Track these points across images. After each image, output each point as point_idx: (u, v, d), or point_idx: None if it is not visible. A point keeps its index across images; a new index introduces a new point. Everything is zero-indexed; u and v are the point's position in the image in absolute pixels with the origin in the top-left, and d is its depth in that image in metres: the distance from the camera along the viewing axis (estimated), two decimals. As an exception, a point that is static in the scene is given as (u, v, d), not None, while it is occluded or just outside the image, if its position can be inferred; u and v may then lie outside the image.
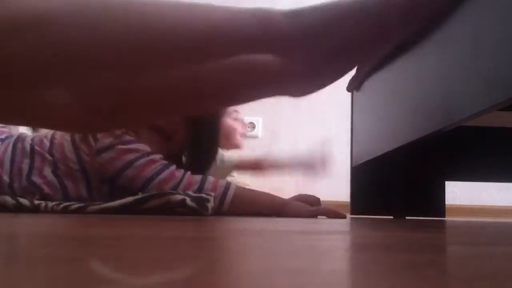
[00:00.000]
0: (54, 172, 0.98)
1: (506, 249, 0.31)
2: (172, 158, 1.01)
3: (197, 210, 0.86)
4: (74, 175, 0.98)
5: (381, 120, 1.00)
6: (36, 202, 0.89)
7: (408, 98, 0.84)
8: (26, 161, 0.98)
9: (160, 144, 1.01)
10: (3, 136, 1.03)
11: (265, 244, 0.29)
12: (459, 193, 2.36)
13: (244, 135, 1.71)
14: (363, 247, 0.29)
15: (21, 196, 0.93)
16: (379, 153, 0.99)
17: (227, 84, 0.42)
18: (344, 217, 0.98)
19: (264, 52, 0.42)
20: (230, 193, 0.94)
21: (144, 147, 0.96)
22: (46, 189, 0.97)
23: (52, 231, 0.34)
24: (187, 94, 0.41)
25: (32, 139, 1.01)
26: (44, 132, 1.06)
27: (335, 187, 2.33)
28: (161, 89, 0.40)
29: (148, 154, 0.95)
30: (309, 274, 0.17)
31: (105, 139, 0.96)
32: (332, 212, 1.00)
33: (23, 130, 1.17)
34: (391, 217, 1.14)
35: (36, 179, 0.97)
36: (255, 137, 2.49)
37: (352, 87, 1.20)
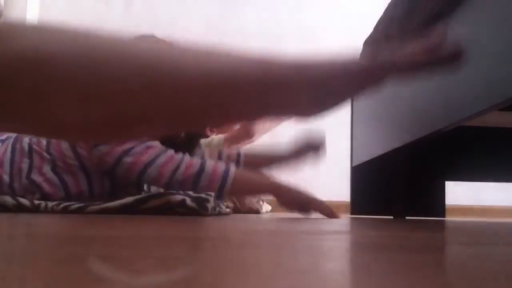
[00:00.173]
0: (54, 169, 0.98)
1: (506, 249, 0.31)
2: (168, 142, 1.02)
3: (197, 210, 0.86)
4: (73, 171, 0.98)
5: (381, 121, 1.00)
6: (36, 202, 0.89)
7: (408, 99, 0.84)
8: (26, 161, 0.98)
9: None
10: (3, 137, 1.03)
11: (265, 244, 0.29)
12: (459, 193, 2.36)
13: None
14: (363, 247, 0.29)
15: (22, 196, 0.93)
16: (379, 153, 0.99)
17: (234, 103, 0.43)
18: (337, 217, 0.98)
19: (266, 98, 0.44)
20: (231, 175, 0.95)
21: None
22: (46, 187, 0.97)
23: (52, 231, 0.34)
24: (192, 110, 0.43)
25: (30, 139, 1.02)
26: None
27: (335, 187, 2.33)
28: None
29: (145, 141, 0.96)
30: (309, 274, 0.17)
31: None
32: (327, 209, 0.99)
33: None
34: (391, 217, 1.14)
35: (36, 177, 0.97)
36: (255, 137, 2.49)
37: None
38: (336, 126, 2.49)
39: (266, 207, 1.64)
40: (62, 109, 0.39)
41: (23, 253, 0.22)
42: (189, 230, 0.39)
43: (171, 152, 0.96)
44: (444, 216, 1.17)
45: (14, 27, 0.41)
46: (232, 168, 0.97)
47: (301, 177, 1.97)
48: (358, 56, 0.47)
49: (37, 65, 0.39)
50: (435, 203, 1.15)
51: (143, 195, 0.90)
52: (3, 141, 1.02)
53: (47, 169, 0.98)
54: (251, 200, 1.52)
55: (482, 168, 1.18)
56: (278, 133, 2.49)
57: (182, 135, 1.08)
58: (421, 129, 0.77)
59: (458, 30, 0.66)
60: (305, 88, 0.44)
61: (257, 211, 1.50)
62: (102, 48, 0.41)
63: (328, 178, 2.41)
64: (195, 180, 0.94)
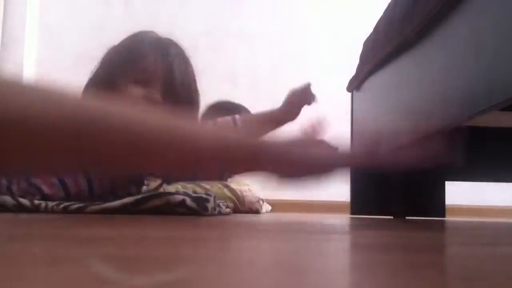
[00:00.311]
0: None
1: (506, 249, 0.31)
2: None
3: (197, 211, 0.86)
4: None
5: (381, 120, 1.00)
6: (36, 202, 0.89)
7: (408, 98, 0.84)
8: None
9: None
10: None
11: (265, 244, 0.29)
12: (459, 193, 2.36)
13: None
14: (363, 247, 0.29)
15: (21, 197, 0.93)
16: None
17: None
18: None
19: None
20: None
21: None
22: (46, 189, 0.97)
23: (52, 231, 0.34)
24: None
25: None
26: None
27: (335, 187, 2.33)
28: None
29: None
30: (309, 274, 0.17)
31: None
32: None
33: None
34: (391, 217, 1.14)
35: (35, 180, 0.97)
36: (255, 137, 2.49)
37: (352, 87, 1.20)
38: (336, 126, 2.48)
39: (266, 207, 1.64)
40: (107, 162, 0.45)
41: (23, 253, 0.22)
42: (189, 230, 0.39)
43: None
44: (444, 216, 1.17)
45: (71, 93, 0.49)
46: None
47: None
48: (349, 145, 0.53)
49: (100, 127, 0.44)
50: (435, 203, 1.15)
51: (143, 195, 0.90)
52: None
53: None
54: (251, 200, 1.52)
55: (482, 168, 1.18)
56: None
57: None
58: (421, 129, 0.77)
59: (458, 30, 0.66)
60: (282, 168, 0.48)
61: (257, 211, 1.50)
62: (152, 122, 0.47)
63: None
64: None
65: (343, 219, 0.93)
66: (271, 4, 2.59)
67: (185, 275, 0.16)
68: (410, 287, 0.15)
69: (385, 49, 0.91)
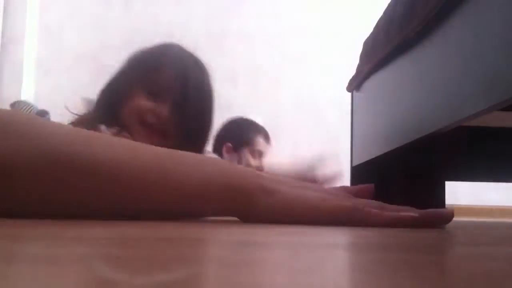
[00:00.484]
0: None
1: (506, 249, 0.31)
2: None
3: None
4: None
5: (381, 120, 0.99)
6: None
7: (408, 98, 0.84)
8: None
9: (153, 141, 1.00)
10: None
11: (265, 244, 0.29)
12: (459, 193, 2.36)
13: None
14: (363, 247, 0.29)
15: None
16: (379, 153, 0.99)
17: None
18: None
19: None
20: None
21: None
22: None
23: (52, 231, 0.34)
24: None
25: None
26: None
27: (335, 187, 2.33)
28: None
29: None
30: (309, 274, 0.17)
31: None
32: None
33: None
34: (391, 217, 1.13)
35: None
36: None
37: (352, 87, 1.20)
38: (336, 126, 2.49)
39: None
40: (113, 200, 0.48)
41: (23, 253, 0.22)
42: (189, 230, 0.39)
43: None
44: (444, 216, 1.17)
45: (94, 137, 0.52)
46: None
47: (301, 178, 1.96)
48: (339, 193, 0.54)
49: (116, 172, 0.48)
50: (435, 203, 1.15)
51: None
52: None
53: None
54: None
55: (482, 168, 1.18)
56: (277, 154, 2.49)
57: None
58: (421, 129, 0.77)
59: (458, 30, 0.66)
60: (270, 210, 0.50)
61: None
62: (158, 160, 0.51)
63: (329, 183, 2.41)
64: None
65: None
66: (271, 4, 2.59)
67: (185, 275, 0.16)
68: (410, 287, 0.15)
69: (385, 49, 0.91)
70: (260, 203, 0.50)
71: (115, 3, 2.53)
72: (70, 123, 0.95)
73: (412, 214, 0.49)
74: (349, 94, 1.24)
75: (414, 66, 0.82)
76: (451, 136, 1.03)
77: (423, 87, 0.78)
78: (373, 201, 0.52)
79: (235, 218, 0.55)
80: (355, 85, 1.17)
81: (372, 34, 1.02)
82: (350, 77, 1.19)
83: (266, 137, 1.75)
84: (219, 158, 1.36)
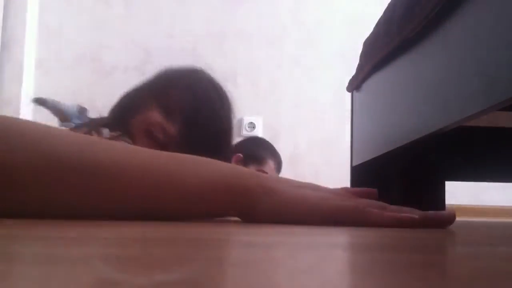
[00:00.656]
0: None
1: (506, 249, 0.31)
2: None
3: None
4: None
5: (381, 120, 0.99)
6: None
7: (408, 98, 0.84)
8: None
9: None
10: None
11: (265, 244, 0.29)
12: (459, 193, 2.36)
13: None
14: (363, 247, 0.29)
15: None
16: (379, 153, 0.99)
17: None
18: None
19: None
20: None
21: None
22: None
23: (52, 231, 0.34)
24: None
25: None
26: None
27: (335, 187, 2.33)
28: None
29: None
30: (308, 274, 0.17)
31: None
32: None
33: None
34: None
35: None
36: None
37: (352, 87, 1.20)
38: (336, 126, 2.49)
39: None
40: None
41: (23, 253, 0.22)
42: (189, 230, 0.39)
43: None
44: (444, 216, 1.17)
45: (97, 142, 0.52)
46: None
47: (301, 178, 1.96)
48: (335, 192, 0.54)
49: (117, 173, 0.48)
50: (435, 203, 1.15)
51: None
52: None
53: None
54: None
55: (482, 168, 1.18)
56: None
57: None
58: (421, 129, 0.77)
59: (458, 30, 0.66)
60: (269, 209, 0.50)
61: None
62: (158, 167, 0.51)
63: (328, 178, 2.41)
64: None
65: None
66: (271, 4, 2.59)
67: (185, 275, 0.16)
68: (410, 287, 0.15)
69: (385, 49, 0.91)
70: (261, 203, 0.50)
71: (115, 3, 2.53)
72: (76, 125, 0.95)
73: (413, 215, 0.49)
74: (349, 94, 1.24)
75: (414, 66, 0.82)
76: (451, 136, 1.03)
77: (423, 87, 0.78)
78: (374, 201, 0.52)
79: (236, 218, 0.55)
80: (355, 85, 1.17)
81: (372, 34, 1.02)
82: (350, 77, 1.19)
83: (278, 164, 1.73)
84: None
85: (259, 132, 2.47)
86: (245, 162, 1.61)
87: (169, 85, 0.97)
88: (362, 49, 1.09)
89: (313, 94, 2.53)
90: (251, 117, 2.46)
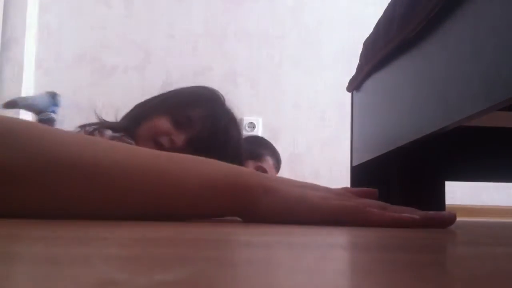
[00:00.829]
0: None
1: (506, 249, 0.31)
2: None
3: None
4: None
5: (381, 120, 0.99)
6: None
7: (408, 98, 0.84)
8: None
9: None
10: None
11: (265, 244, 0.29)
12: (459, 193, 2.36)
13: None
14: (363, 247, 0.29)
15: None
16: (379, 153, 0.99)
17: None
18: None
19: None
20: None
21: None
22: None
23: (52, 231, 0.34)
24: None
25: None
26: None
27: (335, 187, 2.33)
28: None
29: None
30: (308, 274, 0.17)
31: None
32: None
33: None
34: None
35: None
36: (255, 137, 2.49)
37: (352, 87, 1.20)
38: (336, 126, 2.49)
39: None
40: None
41: (23, 253, 0.22)
42: (189, 230, 0.39)
43: None
44: (444, 216, 1.16)
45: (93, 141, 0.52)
46: None
47: (301, 178, 1.96)
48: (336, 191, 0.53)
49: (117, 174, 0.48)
50: (435, 203, 1.15)
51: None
52: None
53: None
54: None
55: (482, 168, 1.18)
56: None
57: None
58: (421, 129, 0.77)
59: (458, 30, 0.66)
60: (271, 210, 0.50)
61: None
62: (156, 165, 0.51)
63: (328, 178, 2.41)
64: None
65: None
66: (271, 4, 2.59)
67: (185, 275, 0.16)
68: (410, 287, 0.15)
69: (385, 49, 0.91)
70: (261, 202, 0.50)
71: (115, 3, 2.53)
72: (81, 126, 0.96)
73: (414, 216, 0.49)
74: (349, 94, 1.24)
75: (414, 66, 0.82)
76: (451, 136, 1.03)
77: (423, 87, 0.78)
78: (375, 201, 0.52)
79: (236, 218, 0.55)
80: (355, 85, 1.17)
81: (372, 34, 1.02)
82: (350, 77, 1.19)
83: (277, 161, 1.73)
84: None
85: (259, 132, 2.47)
86: (244, 160, 1.61)
87: (184, 100, 0.98)
88: (362, 49, 1.09)
89: (313, 94, 2.53)
90: (251, 117, 2.46)
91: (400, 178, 1.15)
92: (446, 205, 1.18)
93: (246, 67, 2.53)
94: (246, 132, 2.43)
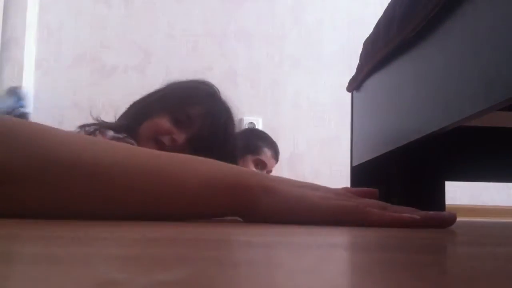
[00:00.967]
0: None
1: (506, 249, 0.31)
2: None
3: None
4: None
5: (381, 120, 1.00)
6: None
7: (408, 98, 0.84)
8: None
9: None
10: None
11: (265, 244, 0.29)
12: (459, 193, 2.36)
13: None
14: (363, 247, 0.29)
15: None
16: (379, 153, 0.99)
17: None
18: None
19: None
20: None
21: None
22: None
23: (52, 231, 0.34)
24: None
25: None
26: None
27: (335, 187, 2.33)
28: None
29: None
30: (309, 274, 0.17)
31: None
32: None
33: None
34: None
35: None
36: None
37: (352, 87, 1.20)
38: (336, 126, 2.49)
39: None
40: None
41: (23, 253, 0.22)
42: (189, 230, 0.39)
43: None
44: (444, 216, 1.16)
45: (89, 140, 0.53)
46: None
47: (301, 178, 1.96)
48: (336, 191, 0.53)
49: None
50: (435, 203, 1.15)
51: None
52: None
53: None
54: None
55: (482, 168, 1.18)
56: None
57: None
58: (421, 129, 0.77)
59: (458, 30, 0.66)
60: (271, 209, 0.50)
61: None
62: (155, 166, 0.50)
63: (328, 178, 2.41)
64: None
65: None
66: (271, 4, 2.59)
67: (185, 275, 0.16)
68: (410, 287, 0.15)
69: (385, 49, 0.91)
70: (261, 202, 0.50)
71: (115, 3, 2.53)
72: (81, 126, 0.96)
73: (414, 216, 0.49)
74: (349, 94, 1.24)
75: (414, 66, 0.82)
76: (451, 136, 1.03)
77: (423, 87, 0.78)
78: (375, 201, 0.52)
79: (236, 218, 0.55)
80: (355, 85, 1.17)
81: (372, 34, 1.02)
82: (350, 77, 1.19)
83: (275, 152, 1.72)
84: None
85: (259, 132, 2.47)
86: (241, 154, 1.62)
87: (184, 97, 0.98)
88: (362, 49, 1.09)
89: (313, 94, 2.53)
90: (251, 117, 2.46)
91: (400, 178, 1.15)
92: (446, 205, 1.18)
93: (246, 67, 2.53)
94: (246, 132, 2.43)
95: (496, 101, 0.55)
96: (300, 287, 0.15)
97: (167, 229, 0.38)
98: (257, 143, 1.68)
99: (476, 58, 0.61)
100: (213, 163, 0.53)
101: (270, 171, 1.67)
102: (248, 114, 2.45)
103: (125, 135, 0.93)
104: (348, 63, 1.55)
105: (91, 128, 0.92)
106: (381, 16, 0.95)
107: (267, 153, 1.68)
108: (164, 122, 0.93)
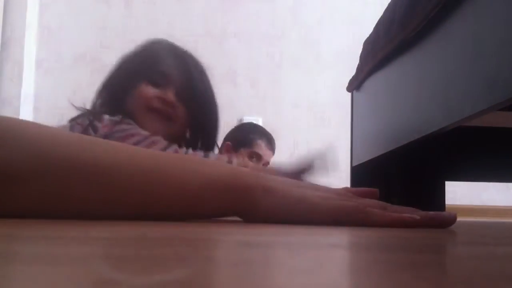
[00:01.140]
0: None
1: (506, 249, 0.31)
2: (175, 139, 1.01)
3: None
4: None
5: (381, 120, 1.00)
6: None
7: (408, 98, 0.84)
8: None
9: (161, 126, 1.01)
10: None
11: (265, 244, 0.29)
12: (459, 193, 2.36)
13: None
14: (363, 247, 0.29)
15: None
16: (379, 153, 0.99)
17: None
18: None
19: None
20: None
21: (142, 131, 0.96)
22: None
23: (52, 231, 0.34)
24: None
25: None
26: None
27: (335, 187, 2.33)
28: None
29: (148, 137, 0.95)
30: (309, 274, 0.17)
31: (103, 130, 0.95)
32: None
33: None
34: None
35: None
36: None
37: (352, 87, 1.20)
38: (336, 126, 2.49)
39: None
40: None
41: (23, 253, 0.22)
42: (189, 230, 0.39)
43: (175, 146, 0.96)
44: (444, 216, 1.16)
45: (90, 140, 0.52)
46: (234, 161, 0.97)
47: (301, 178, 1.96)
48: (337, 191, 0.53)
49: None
50: (435, 203, 1.15)
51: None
52: None
53: None
54: None
55: (482, 168, 1.18)
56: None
57: (187, 135, 1.08)
58: (421, 129, 0.77)
59: (458, 30, 0.66)
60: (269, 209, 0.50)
61: None
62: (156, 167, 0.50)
63: (328, 178, 2.41)
64: None
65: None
66: (271, 4, 2.59)
67: (185, 275, 0.16)
68: (410, 287, 0.15)
69: (385, 49, 0.91)
70: (261, 202, 0.50)
71: (115, 3, 2.53)
72: (72, 119, 0.96)
73: (414, 216, 0.49)
74: (349, 94, 1.24)
75: (414, 66, 0.82)
76: (451, 136, 1.03)
77: (423, 87, 0.78)
78: (375, 201, 0.52)
79: (236, 218, 0.55)
80: (355, 85, 1.17)
81: (372, 34, 1.02)
82: (350, 77, 1.19)
83: (270, 143, 1.71)
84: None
85: (259, 132, 2.47)
86: (236, 148, 1.61)
87: (149, 60, 1.01)
88: (362, 49, 1.09)
89: (313, 94, 2.53)
90: (251, 117, 2.46)
91: (400, 178, 1.15)
92: (446, 205, 1.18)
93: (246, 67, 2.53)
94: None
95: (496, 101, 0.55)
96: (300, 287, 0.15)
97: (167, 229, 0.38)
98: (248, 135, 1.67)
99: (476, 58, 0.61)
100: (213, 163, 0.53)
101: (268, 162, 1.65)
102: (248, 114, 2.46)
103: (121, 116, 0.94)
104: (348, 63, 1.55)
105: (86, 120, 0.92)
106: (381, 16, 0.95)
107: (261, 145, 1.66)
108: (148, 89, 0.95)
